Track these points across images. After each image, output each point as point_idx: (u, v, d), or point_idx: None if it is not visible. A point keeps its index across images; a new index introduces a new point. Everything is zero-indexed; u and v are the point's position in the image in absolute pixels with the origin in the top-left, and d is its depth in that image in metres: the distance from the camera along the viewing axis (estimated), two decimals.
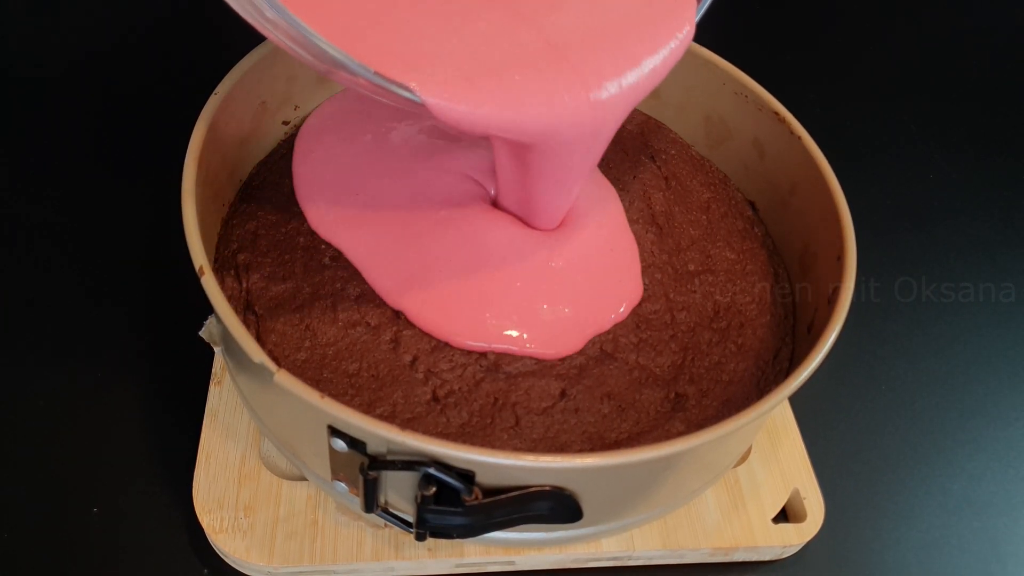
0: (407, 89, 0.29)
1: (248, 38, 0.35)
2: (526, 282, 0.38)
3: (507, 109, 0.30)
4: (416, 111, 0.30)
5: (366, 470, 0.31)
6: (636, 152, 0.47)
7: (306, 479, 0.39)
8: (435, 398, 0.36)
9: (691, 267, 0.42)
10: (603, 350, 0.38)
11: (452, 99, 0.30)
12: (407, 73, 0.29)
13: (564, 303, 0.39)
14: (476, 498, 0.31)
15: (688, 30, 0.34)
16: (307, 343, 0.37)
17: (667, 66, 0.33)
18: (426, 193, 0.41)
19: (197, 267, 0.33)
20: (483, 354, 0.37)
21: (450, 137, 0.44)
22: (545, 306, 0.38)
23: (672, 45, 0.33)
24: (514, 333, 0.37)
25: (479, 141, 0.43)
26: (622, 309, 0.40)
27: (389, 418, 0.35)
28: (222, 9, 0.27)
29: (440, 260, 0.39)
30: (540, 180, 0.36)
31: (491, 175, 0.41)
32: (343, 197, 0.42)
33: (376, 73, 0.27)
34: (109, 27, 0.65)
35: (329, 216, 0.41)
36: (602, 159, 0.41)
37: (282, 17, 0.25)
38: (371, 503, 0.33)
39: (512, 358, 0.37)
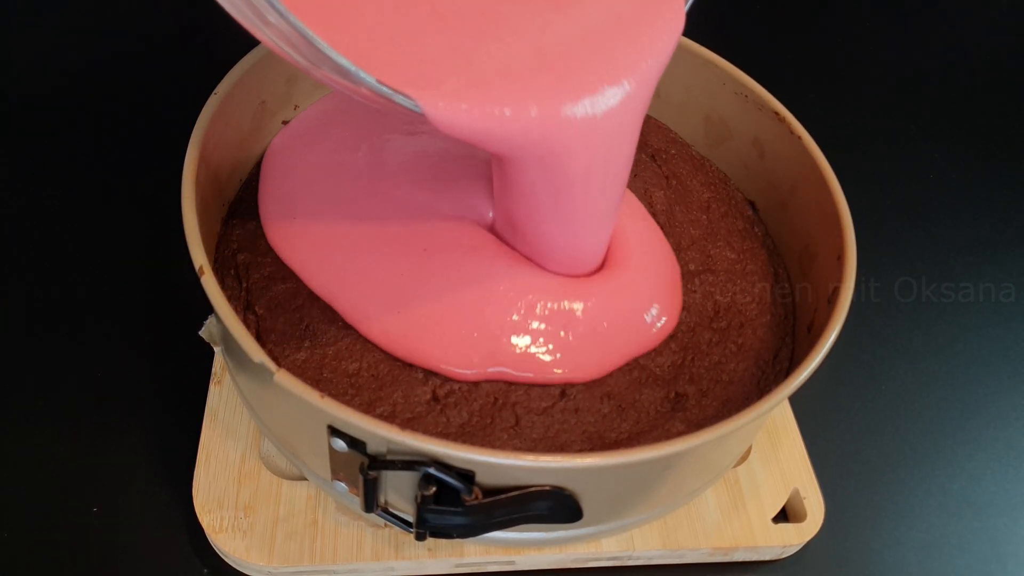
0: (407, 98, 0.28)
1: (248, 38, 0.35)
2: (536, 321, 0.36)
3: (509, 121, 0.30)
4: (415, 121, 0.30)
5: (366, 470, 0.31)
6: (636, 151, 0.47)
7: (306, 479, 0.39)
8: (435, 398, 0.36)
9: (691, 267, 0.42)
10: None
11: (454, 110, 0.29)
12: (407, 82, 0.28)
13: (582, 343, 0.37)
14: (476, 498, 0.31)
15: (672, 38, 0.33)
16: (307, 343, 0.37)
17: (660, 69, 0.32)
18: (412, 218, 0.39)
19: (197, 267, 0.33)
20: None
21: (441, 155, 0.42)
22: (560, 355, 0.36)
23: (662, 52, 0.32)
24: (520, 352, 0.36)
25: (473, 169, 0.41)
26: (656, 329, 0.38)
27: (389, 418, 0.35)
28: (220, 12, 0.27)
29: (427, 290, 0.37)
30: (560, 206, 0.34)
31: (489, 199, 0.40)
32: (311, 220, 0.40)
33: (378, 81, 0.27)
34: (110, 27, 0.65)
35: (295, 239, 0.39)
36: None
37: (286, 22, 0.24)
38: (371, 503, 0.33)
39: None
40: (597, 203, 0.34)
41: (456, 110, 0.29)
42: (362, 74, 0.26)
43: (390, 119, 0.44)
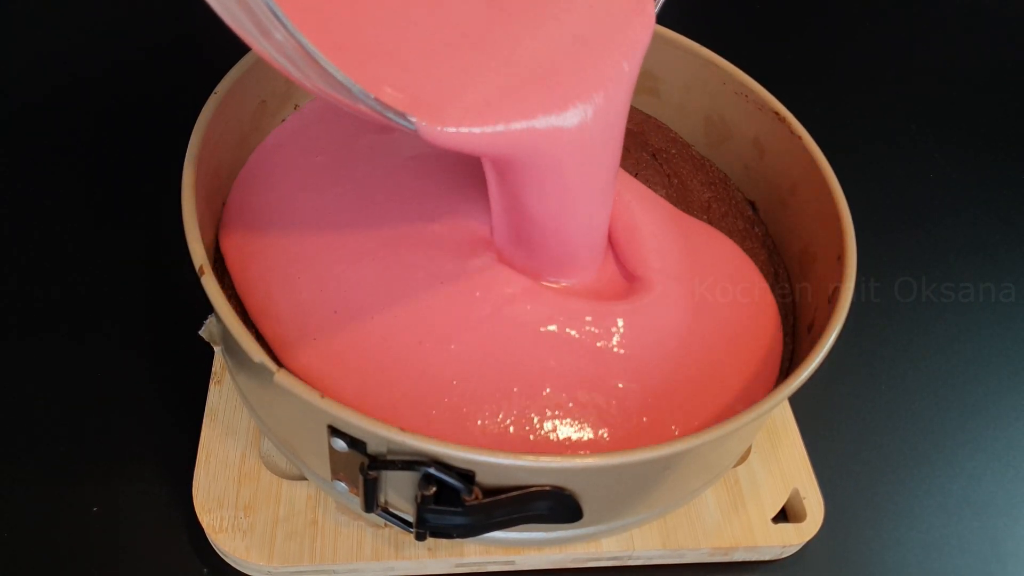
0: (405, 119, 0.28)
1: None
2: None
3: (505, 138, 0.30)
4: (414, 139, 0.30)
5: (366, 470, 0.31)
6: (637, 150, 0.47)
7: (306, 479, 0.39)
8: None
9: None
10: None
11: (450, 133, 0.29)
12: (403, 100, 0.29)
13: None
14: (476, 498, 0.31)
15: (645, 38, 0.34)
16: None
17: (638, 67, 0.34)
18: (378, 222, 0.38)
19: (197, 267, 0.33)
20: None
21: (416, 155, 0.41)
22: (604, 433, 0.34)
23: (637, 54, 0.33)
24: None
25: (457, 167, 0.41)
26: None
27: None
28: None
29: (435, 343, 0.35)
30: (560, 204, 0.34)
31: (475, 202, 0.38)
32: (260, 225, 0.38)
33: (377, 100, 0.27)
34: (110, 27, 0.65)
35: (241, 245, 0.38)
36: None
37: (294, 40, 0.24)
38: (371, 503, 0.33)
39: None
40: (595, 194, 0.35)
41: (454, 132, 0.29)
42: (364, 94, 0.26)
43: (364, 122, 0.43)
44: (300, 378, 0.31)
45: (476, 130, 0.29)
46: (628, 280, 0.39)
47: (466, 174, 0.40)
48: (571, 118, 0.31)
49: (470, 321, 0.35)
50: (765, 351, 0.39)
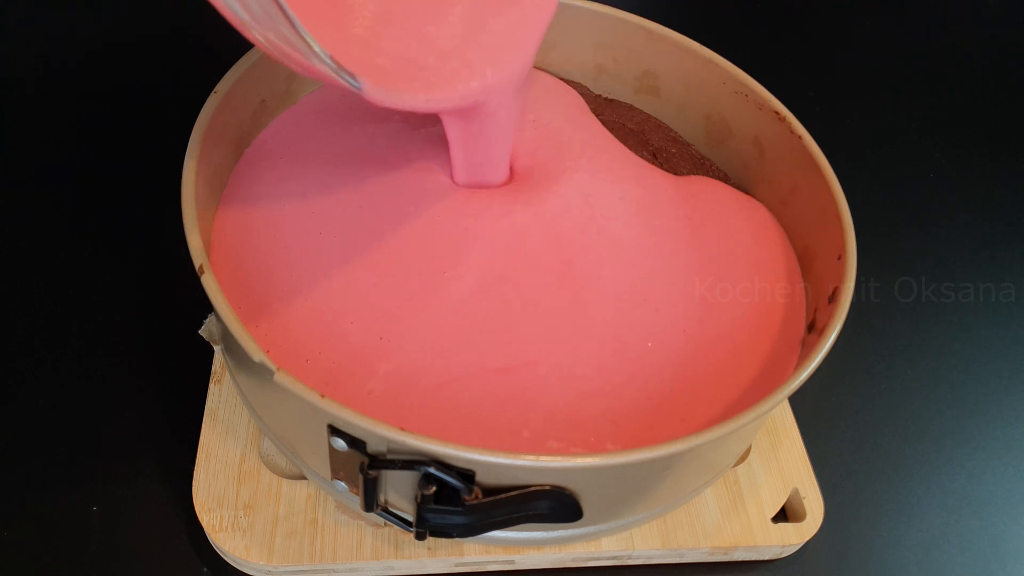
0: (354, 79, 0.31)
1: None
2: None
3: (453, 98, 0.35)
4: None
5: (366, 469, 0.31)
6: (637, 149, 0.47)
7: (306, 478, 0.39)
8: None
9: None
10: None
11: (395, 96, 0.33)
12: (358, 64, 0.32)
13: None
14: (476, 497, 0.31)
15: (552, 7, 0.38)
16: None
17: (545, 30, 0.38)
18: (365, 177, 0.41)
19: (197, 266, 0.33)
20: None
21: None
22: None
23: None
24: None
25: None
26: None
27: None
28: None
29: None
30: (493, 132, 0.39)
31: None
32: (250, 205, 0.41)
33: (332, 59, 0.29)
34: (109, 25, 0.65)
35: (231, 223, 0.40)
36: None
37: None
38: (371, 502, 0.33)
39: None
40: (511, 123, 0.40)
41: (391, 95, 0.33)
42: (324, 52, 0.28)
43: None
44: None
45: (410, 95, 0.33)
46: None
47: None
48: (495, 79, 0.36)
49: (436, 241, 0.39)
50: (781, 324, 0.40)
